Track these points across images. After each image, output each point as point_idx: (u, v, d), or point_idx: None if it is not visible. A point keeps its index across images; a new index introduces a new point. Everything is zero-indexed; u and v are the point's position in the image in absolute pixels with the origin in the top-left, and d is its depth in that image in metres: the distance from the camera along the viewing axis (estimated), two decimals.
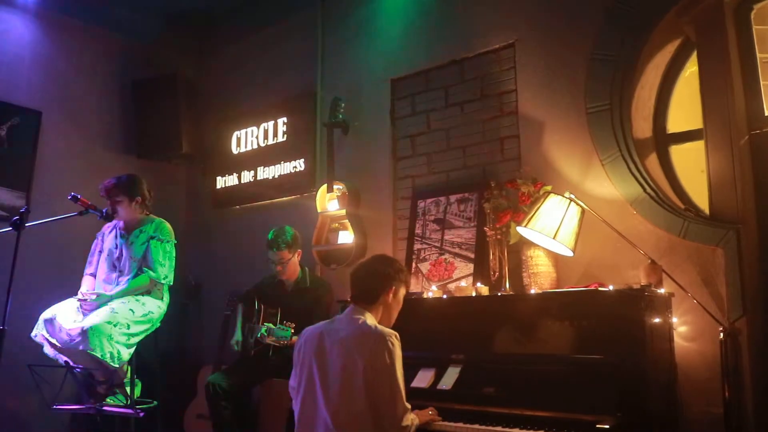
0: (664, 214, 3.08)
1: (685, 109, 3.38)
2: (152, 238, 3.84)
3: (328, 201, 4.29)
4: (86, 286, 3.88)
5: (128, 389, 3.66)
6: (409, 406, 2.44)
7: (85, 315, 3.61)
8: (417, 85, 4.13)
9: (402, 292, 2.70)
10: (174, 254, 3.92)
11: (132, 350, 3.62)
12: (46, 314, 3.59)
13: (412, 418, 2.45)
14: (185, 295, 5.03)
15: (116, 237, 3.92)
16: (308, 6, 4.76)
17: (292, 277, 4.10)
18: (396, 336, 2.45)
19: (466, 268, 3.54)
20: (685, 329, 2.93)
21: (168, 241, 3.89)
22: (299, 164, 4.69)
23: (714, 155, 3.08)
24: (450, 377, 2.90)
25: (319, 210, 4.33)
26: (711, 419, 2.79)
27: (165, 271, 3.82)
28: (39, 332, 3.58)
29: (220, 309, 4.51)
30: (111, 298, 3.65)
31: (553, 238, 2.92)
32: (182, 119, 5.10)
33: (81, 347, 3.42)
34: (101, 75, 5.08)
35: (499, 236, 3.32)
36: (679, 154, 3.44)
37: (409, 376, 2.80)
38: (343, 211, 4.22)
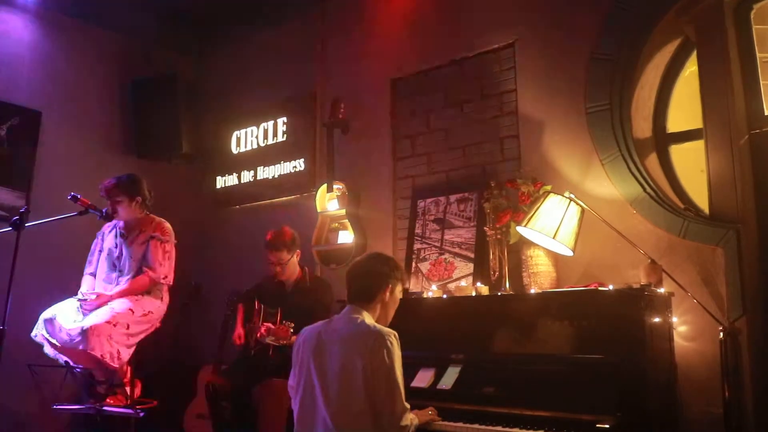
0: (664, 213, 3.08)
1: (685, 109, 3.38)
2: (152, 237, 3.84)
3: (328, 201, 4.29)
4: (86, 285, 3.88)
5: (128, 389, 3.65)
6: (408, 405, 2.44)
7: (85, 315, 3.61)
8: (417, 85, 4.13)
9: (398, 289, 2.70)
10: (174, 254, 3.92)
11: (132, 350, 3.62)
12: (46, 314, 3.59)
13: (411, 418, 2.45)
14: (185, 295, 5.03)
15: (116, 237, 3.92)
16: (308, 6, 4.76)
17: (291, 278, 4.10)
18: (395, 335, 2.45)
19: (466, 267, 3.54)
20: (685, 329, 2.93)
21: (168, 241, 3.89)
22: (299, 164, 4.69)
23: (714, 155, 3.08)
24: (450, 377, 2.90)
25: (318, 210, 4.33)
26: (711, 419, 2.78)
27: (165, 270, 3.82)
28: (39, 332, 3.58)
29: (220, 309, 4.51)
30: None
31: (553, 237, 2.92)
32: (182, 119, 5.10)
33: (81, 347, 3.41)
34: (101, 75, 5.08)
35: (499, 236, 3.32)
36: (679, 153, 3.44)
37: (408, 376, 2.80)
38: (343, 211, 4.22)
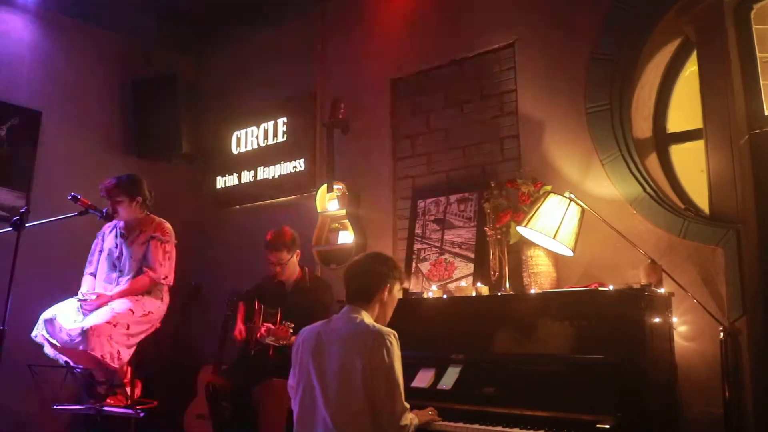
0: (664, 213, 3.08)
1: (685, 109, 3.38)
2: (152, 238, 3.84)
3: (328, 201, 4.29)
4: (86, 285, 3.88)
5: (128, 389, 3.65)
6: (407, 405, 2.43)
7: (85, 315, 3.61)
8: (417, 85, 4.13)
9: (397, 288, 2.69)
10: (174, 254, 3.92)
11: (132, 350, 3.62)
12: (47, 314, 3.59)
13: (410, 418, 2.44)
14: (185, 295, 5.03)
15: (116, 237, 3.92)
16: (308, 6, 4.76)
17: (291, 278, 4.10)
18: (394, 335, 2.44)
19: (466, 268, 3.54)
20: (685, 329, 2.93)
21: (168, 241, 3.89)
22: (299, 164, 4.69)
23: (714, 155, 3.08)
24: (450, 377, 2.90)
25: (319, 210, 4.33)
26: (711, 419, 2.78)
27: (165, 271, 3.82)
28: (39, 332, 3.58)
29: (221, 309, 4.51)
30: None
31: (553, 237, 2.92)
32: (182, 119, 5.10)
33: (81, 347, 3.42)
34: (101, 75, 5.08)
35: (499, 236, 3.32)
36: (679, 153, 3.44)
37: (409, 376, 2.80)
38: (343, 211, 4.22)
